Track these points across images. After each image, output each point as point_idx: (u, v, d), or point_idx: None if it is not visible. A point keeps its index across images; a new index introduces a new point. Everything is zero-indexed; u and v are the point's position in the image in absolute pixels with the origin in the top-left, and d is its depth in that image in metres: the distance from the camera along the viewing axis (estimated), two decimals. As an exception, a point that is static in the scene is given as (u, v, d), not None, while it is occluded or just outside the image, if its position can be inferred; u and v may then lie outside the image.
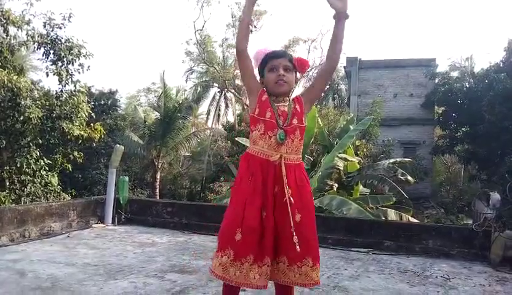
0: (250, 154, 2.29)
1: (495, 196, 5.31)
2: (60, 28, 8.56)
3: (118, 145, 7.01)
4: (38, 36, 8.37)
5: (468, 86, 17.05)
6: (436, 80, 18.53)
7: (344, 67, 22.58)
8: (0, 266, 3.99)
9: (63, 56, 8.42)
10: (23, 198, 8.14)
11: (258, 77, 2.38)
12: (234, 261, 2.13)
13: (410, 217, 9.09)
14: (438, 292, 3.82)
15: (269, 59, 2.31)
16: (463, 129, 17.28)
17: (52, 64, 8.52)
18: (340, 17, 2.22)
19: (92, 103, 10.00)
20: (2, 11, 7.89)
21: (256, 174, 2.20)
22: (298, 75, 2.40)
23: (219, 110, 27.01)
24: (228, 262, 2.14)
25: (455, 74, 18.66)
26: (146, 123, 18.41)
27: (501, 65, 15.32)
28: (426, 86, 19.34)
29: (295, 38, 26.90)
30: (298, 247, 2.11)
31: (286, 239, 2.17)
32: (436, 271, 4.54)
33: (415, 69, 19.92)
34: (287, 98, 2.34)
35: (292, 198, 2.16)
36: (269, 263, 2.17)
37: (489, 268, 4.72)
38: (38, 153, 8.45)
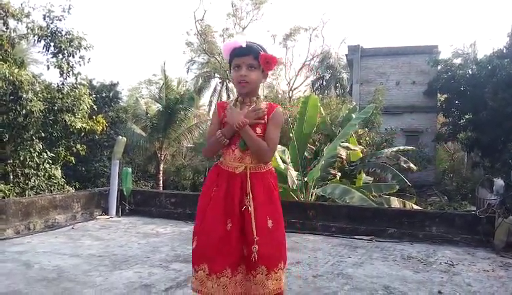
0: (219, 167, 2.27)
1: (499, 182, 5.30)
2: (60, 20, 8.52)
3: (120, 137, 7.02)
4: (38, 29, 8.33)
5: (470, 73, 16.91)
6: (439, 67, 18.38)
7: (346, 55, 22.42)
8: (6, 258, 4.03)
9: (64, 49, 8.39)
10: (27, 192, 8.17)
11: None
12: (193, 267, 2.18)
13: (413, 205, 9.09)
14: (442, 278, 3.83)
15: (234, 57, 2.20)
16: (466, 116, 17.18)
17: (52, 57, 8.49)
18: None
19: (94, 96, 9.97)
20: (1, 4, 7.85)
21: (221, 186, 2.19)
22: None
23: (221, 101, 26.96)
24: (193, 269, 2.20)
25: (457, 60, 18.50)
26: (148, 115, 18.40)
27: (505, 51, 15.16)
28: (428, 73, 19.21)
29: (296, 27, 26.71)
30: (256, 256, 2.07)
31: (249, 249, 2.12)
32: (439, 257, 4.55)
33: (418, 56, 19.78)
34: (254, 98, 2.25)
35: (260, 207, 2.14)
36: (230, 274, 2.10)
37: (493, 254, 4.74)
38: (41, 147, 8.47)
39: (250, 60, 2.17)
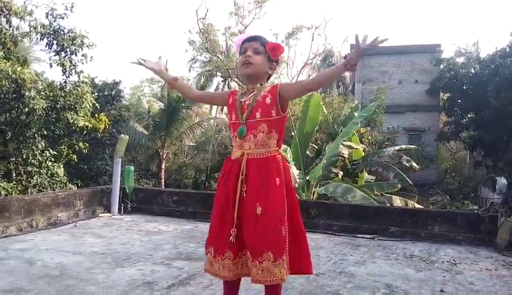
0: (229, 157, 2.36)
1: (502, 181, 5.28)
2: (63, 18, 8.51)
3: (123, 135, 7.03)
4: (41, 27, 8.32)
5: (473, 72, 16.87)
6: (441, 66, 18.34)
7: (348, 54, 22.37)
8: (9, 255, 4.04)
9: (66, 47, 8.38)
10: (29, 189, 8.18)
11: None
12: (205, 249, 2.31)
13: (415, 204, 9.09)
14: (444, 276, 3.83)
15: (242, 43, 2.30)
16: (468, 115, 17.14)
17: (55, 55, 8.49)
18: (351, 67, 2.14)
19: (96, 94, 9.97)
20: (4, 2, 7.85)
21: (225, 174, 2.30)
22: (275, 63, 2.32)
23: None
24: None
25: (460, 59, 18.45)
26: (150, 113, 18.39)
27: (508, 50, 15.12)
28: (431, 72, 19.16)
29: (299, 25, 26.64)
30: (233, 239, 2.13)
31: (246, 233, 2.14)
32: (442, 256, 4.55)
33: (420, 55, 19.74)
34: (258, 85, 2.30)
35: (251, 193, 2.15)
36: (232, 256, 2.17)
37: (495, 253, 4.73)
38: (43, 145, 8.48)
39: (256, 45, 2.25)
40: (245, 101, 2.28)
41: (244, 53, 2.26)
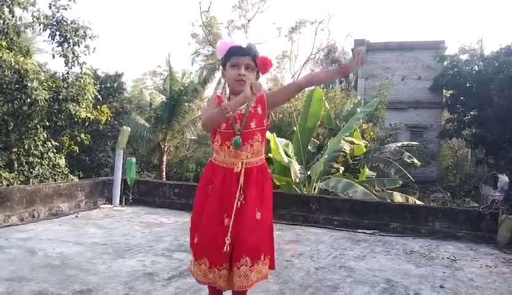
0: (214, 164, 2.31)
1: (504, 178, 5.28)
2: (66, 9, 8.49)
3: (125, 126, 7.03)
4: (44, 17, 8.31)
5: (477, 69, 16.78)
6: (445, 63, 18.24)
7: (351, 49, 22.29)
8: (10, 244, 4.06)
9: (69, 38, 8.37)
10: (31, 180, 8.21)
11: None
12: (195, 261, 2.25)
13: (416, 200, 9.08)
14: (444, 272, 3.84)
15: (232, 55, 2.23)
16: (471, 113, 17.08)
17: (57, 46, 8.47)
18: (344, 74, 2.22)
19: (98, 86, 9.97)
20: (7, -8, 7.83)
21: (216, 183, 2.24)
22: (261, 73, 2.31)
23: (225, 93, 26.87)
24: (192, 260, 2.29)
25: (464, 56, 18.37)
26: (152, 106, 18.37)
27: (512, 47, 15.05)
28: (434, 69, 19.06)
29: (302, 20, 26.56)
30: (227, 247, 2.12)
31: (248, 239, 2.17)
32: (442, 252, 4.55)
33: (424, 51, 19.61)
34: None
35: (250, 199, 2.20)
36: (228, 267, 2.19)
37: (496, 250, 4.73)
38: (45, 136, 8.49)
39: (249, 60, 2.21)
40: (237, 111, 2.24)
41: (236, 68, 2.21)
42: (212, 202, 2.23)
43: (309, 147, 10.03)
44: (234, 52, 2.23)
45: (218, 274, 2.16)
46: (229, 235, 2.13)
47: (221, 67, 2.48)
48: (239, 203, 2.17)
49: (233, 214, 2.15)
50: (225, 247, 2.12)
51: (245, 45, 2.23)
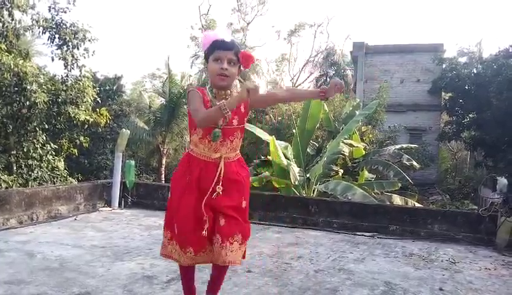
0: (191, 156, 2.36)
1: (503, 180, 5.28)
2: (65, 12, 8.53)
3: (124, 129, 7.02)
4: (43, 20, 8.34)
5: (475, 72, 16.85)
6: (444, 66, 18.31)
7: (350, 52, 22.33)
8: (9, 247, 4.05)
9: (68, 41, 8.40)
10: (30, 182, 8.21)
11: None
12: (180, 249, 2.35)
13: (415, 203, 9.09)
14: (443, 275, 3.83)
15: (216, 49, 2.24)
16: (470, 115, 17.13)
17: (57, 49, 8.51)
18: (322, 98, 2.38)
19: (97, 88, 9.98)
20: (6, -5, 7.85)
21: (194, 174, 2.30)
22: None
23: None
24: (165, 243, 2.48)
25: (463, 59, 18.45)
26: (151, 108, 18.39)
27: (510, 50, 15.10)
28: (433, 71, 19.12)
29: (301, 23, 26.65)
30: (205, 232, 2.25)
31: (234, 225, 2.31)
32: (441, 255, 4.55)
33: (423, 54, 19.68)
34: (229, 92, 2.32)
35: (232, 190, 2.33)
36: (209, 249, 2.35)
37: (495, 253, 4.73)
38: (44, 138, 8.49)
39: (231, 55, 2.24)
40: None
41: (219, 61, 2.23)
42: (189, 193, 2.29)
43: (308, 150, 10.05)
44: (218, 46, 2.24)
45: (202, 256, 2.34)
46: (207, 222, 2.24)
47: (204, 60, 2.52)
48: (218, 192, 2.27)
49: (213, 201, 2.26)
50: (203, 232, 2.23)
51: (228, 40, 2.26)
